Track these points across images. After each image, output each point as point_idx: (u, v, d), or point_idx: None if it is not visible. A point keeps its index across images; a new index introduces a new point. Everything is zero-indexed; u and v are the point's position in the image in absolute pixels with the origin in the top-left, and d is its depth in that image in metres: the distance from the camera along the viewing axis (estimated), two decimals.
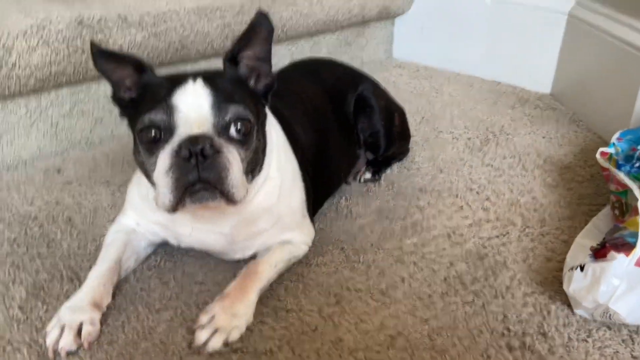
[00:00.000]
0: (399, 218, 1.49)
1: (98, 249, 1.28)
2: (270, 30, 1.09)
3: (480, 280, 1.27)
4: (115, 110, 1.18)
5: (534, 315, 1.17)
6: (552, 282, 1.26)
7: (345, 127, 1.56)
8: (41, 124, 1.72)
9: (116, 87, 1.14)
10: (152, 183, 1.07)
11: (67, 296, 1.15)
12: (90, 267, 1.20)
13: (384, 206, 1.55)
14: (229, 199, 1.03)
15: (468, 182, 1.66)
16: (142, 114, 1.04)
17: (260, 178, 1.15)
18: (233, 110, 1.04)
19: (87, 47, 1.62)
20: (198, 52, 1.94)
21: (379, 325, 1.14)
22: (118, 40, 1.71)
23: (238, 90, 1.09)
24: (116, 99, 1.15)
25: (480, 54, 2.52)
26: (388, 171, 1.72)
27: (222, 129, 1.04)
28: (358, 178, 1.65)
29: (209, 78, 1.07)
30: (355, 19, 2.46)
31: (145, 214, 1.24)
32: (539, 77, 2.38)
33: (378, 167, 1.68)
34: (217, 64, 1.85)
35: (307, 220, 1.32)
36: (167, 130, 1.03)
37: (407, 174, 1.71)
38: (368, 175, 1.66)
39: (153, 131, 1.03)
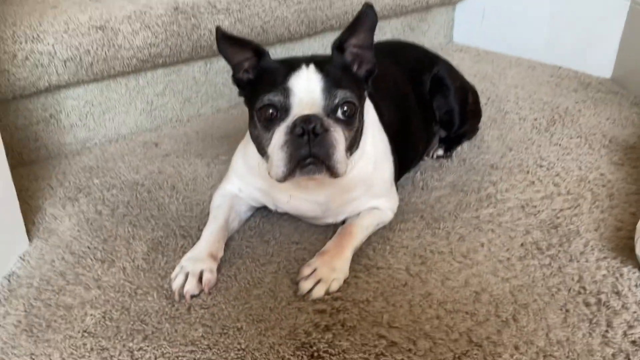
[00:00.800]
0: (473, 191, 1.59)
1: (203, 211, 1.44)
2: (374, 20, 1.20)
3: (555, 246, 1.36)
4: (202, 90, 1.32)
5: (607, 277, 1.26)
6: (622, 249, 1.35)
7: (422, 105, 1.66)
8: (138, 102, 1.89)
9: (236, 68, 1.26)
10: (265, 155, 1.20)
11: (183, 251, 1.30)
12: (199, 227, 1.35)
13: (458, 180, 1.65)
14: (333, 173, 1.15)
15: (538, 160, 1.75)
16: (262, 94, 1.17)
17: (357, 154, 1.27)
18: (341, 94, 1.16)
19: (182, 30, 1.78)
20: (276, 36, 2.07)
21: (463, 283, 1.25)
22: (208, 25, 1.86)
23: (345, 75, 1.21)
24: (235, 79, 1.28)
25: (542, 39, 2.58)
26: (459, 149, 1.82)
27: (330, 111, 1.16)
28: (431, 154, 1.76)
29: (320, 64, 1.19)
30: (419, 4, 2.55)
31: (248, 181, 1.38)
32: (600, 62, 2.42)
33: (450, 144, 1.78)
34: (293, 47, 2.01)
35: (394, 189, 1.44)
36: (283, 110, 1.16)
37: (477, 151, 1.81)
38: (440, 152, 1.76)
39: (271, 110, 1.16)
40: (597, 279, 1.26)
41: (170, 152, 1.77)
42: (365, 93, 1.29)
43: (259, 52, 1.23)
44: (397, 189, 1.48)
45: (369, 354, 1.07)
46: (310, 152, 1.12)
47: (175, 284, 1.20)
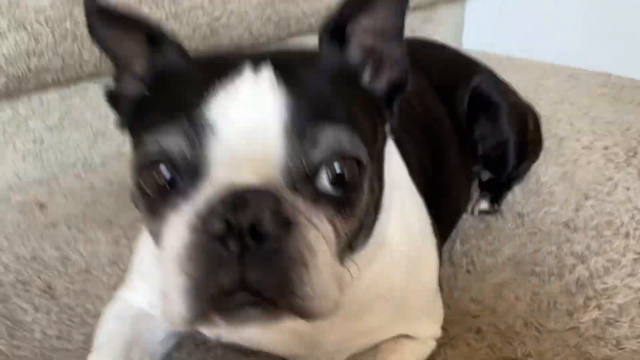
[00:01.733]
0: (552, 273, 0.97)
1: (88, 340, 0.78)
2: None
3: None
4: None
5: None
6: None
7: (459, 135, 1.04)
8: (18, 140, 1.24)
9: (119, 73, 0.65)
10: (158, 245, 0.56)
11: None
12: None
13: (520, 253, 1.03)
14: (303, 314, 0.52)
15: (633, 212, 1.13)
16: (147, 131, 0.54)
17: (367, 248, 0.63)
18: (331, 137, 0.53)
19: (81, 31, 1.15)
20: (231, 39, 1.45)
21: None
22: None
23: (342, 94, 0.58)
24: (112, 97, 0.66)
25: (577, 41, 2.00)
26: (509, 196, 1.19)
27: (303, 178, 0.53)
28: (471, 210, 1.14)
29: (286, 66, 0.56)
30: (423, 2, 1.96)
31: (163, 279, 0.73)
32: None
33: (497, 191, 1.16)
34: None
35: (439, 297, 0.80)
36: (188, 170, 0.53)
37: (536, 200, 1.19)
38: (485, 205, 1.14)
39: (163, 173, 0.53)
40: None
41: (60, 220, 1.12)
42: (387, 128, 0.66)
43: (154, 38, 0.61)
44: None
45: None
46: (241, 281, 0.49)
47: None
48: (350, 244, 0.57)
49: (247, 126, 0.52)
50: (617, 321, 0.86)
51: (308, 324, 0.61)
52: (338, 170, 0.53)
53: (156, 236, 0.56)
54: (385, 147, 0.65)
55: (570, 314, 0.88)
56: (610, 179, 1.27)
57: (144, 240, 0.77)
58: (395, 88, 0.64)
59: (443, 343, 0.81)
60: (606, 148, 1.40)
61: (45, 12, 1.14)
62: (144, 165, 0.54)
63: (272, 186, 0.50)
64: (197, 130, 0.51)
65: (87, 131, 1.33)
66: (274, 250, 0.48)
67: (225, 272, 0.48)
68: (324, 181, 0.53)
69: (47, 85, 1.23)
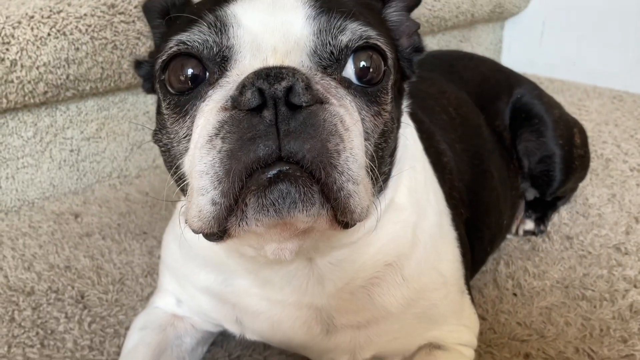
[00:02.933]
0: (603, 298, 0.92)
1: (120, 344, 0.76)
2: None
3: None
4: None
5: None
6: None
7: (500, 149, 1.00)
8: (55, 149, 1.24)
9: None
10: (183, 185, 0.56)
11: None
12: None
13: (569, 276, 0.98)
14: (339, 208, 0.50)
15: None
16: (170, 38, 0.55)
17: (381, 201, 0.61)
18: (355, 29, 0.54)
19: (121, 40, 1.16)
20: None
21: None
22: None
23: (366, 12, 0.59)
24: (139, 66, 0.72)
25: (626, 62, 1.94)
26: (555, 218, 1.14)
27: (331, 63, 0.53)
28: (516, 229, 1.09)
29: None
30: (463, 18, 1.93)
31: (189, 278, 0.73)
32: None
33: (543, 211, 1.11)
34: None
35: (467, 299, 0.76)
36: (216, 61, 0.54)
37: (585, 222, 1.14)
38: (530, 225, 1.10)
39: (188, 66, 0.54)
40: None
41: (95, 230, 1.11)
42: (406, 87, 0.67)
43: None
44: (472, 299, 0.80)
45: None
46: (280, 149, 0.47)
47: None
48: (378, 162, 0.56)
49: (270, 17, 0.53)
50: None
51: (327, 297, 0.59)
52: (364, 64, 0.54)
53: (178, 148, 0.56)
54: (403, 102, 0.67)
55: (624, 340, 0.83)
56: None
57: (167, 233, 0.77)
58: (416, 50, 0.68)
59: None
60: None
61: (86, 20, 1.14)
62: (165, 64, 0.55)
63: (301, 67, 0.51)
64: (222, 22, 0.53)
65: (123, 142, 1.33)
66: (308, 122, 0.47)
67: (261, 143, 0.46)
68: (350, 71, 0.53)
69: (86, 94, 1.23)
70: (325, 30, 0.52)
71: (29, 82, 1.10)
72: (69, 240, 1.07)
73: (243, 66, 0.51)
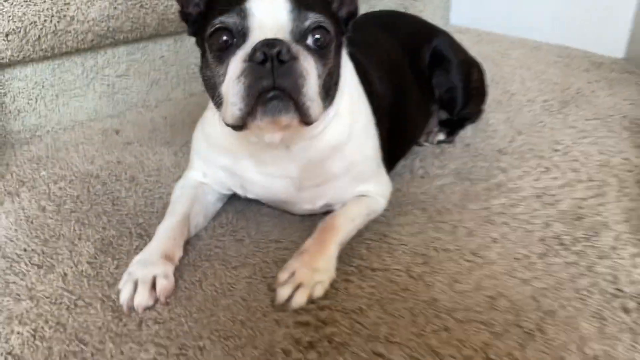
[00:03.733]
0: (481, 179, 1.38)
1: (165, 206, 1.21)
2: None
3: (581, 241, 1.15)
4: (172, 71, 1.10)
5: None
6: None
7: (420, 82, 1.45)
8: (97, 84, 1.66)
9: (184, 1, 1.05)
10: (218, 103, 0.98)
11: (138, 252, 1.07)
12: (159, 224, 1.13)
13: (463, 167, 1.44)
14: (303, 114, 0.92)
15: (551, 143, 1.54)
16: (212, 22, 0.95)
17: (330, 112, 1.05)
18: (313, 17, 0.94)
19: (146, 0, 1.55)
20: None
21: (475, 286, 1.04)
22: None
23: (318, 3, 0.99)
24: (184, 15, 1.07)
25: (547, 17, 2.38)
26: (462, 133, 1.60)
27: (300, 36, 0.94)
28: (431, 139, 1.55)
29: None
30: None
31: (211, 159, 1.17)
32: (612, 41, 2.23)
33: (452, 127, 1.57)
34: None
35: (383, 170, 1.22)
36: (240, 34, 0.94)
37: (483, 135, 1.60)
38: (442, 136, 1.55)
39: (225, 36, 0.94)
40: (635, 278, 1.05)
41: (133, 140, 1.55)
42: (344, 39, 1.08)
43: None
44: (392, 178, 1.26)
45: None
46: (274, 83, 0.89)
47: (123, 296, 0.97)
48: (325, 90, 0.98)
49: (269, 10, 0.93)
50: (518, 205, 1.28)
51: (297, 171, 1.05)
52: (317, 35, 0.94)
53: (218, 80, 0.96)
54: (342, 50, 1.06)
55: (486, 200, 1.30)
56: (541, 122, 1.67)
57: (197, 131, 1.20)
58: (350, 15, 1.07)
59: (397, 213, 1.24)
60: (545, 101, 1.81)
61: None
62: (212, 33, 0.95)
63: (285, 40, 0.91)
64: (242, 13, 0.93)
65: (145, 80, 1.75)
66: (289, 69, 0.89)
67: (265, 79, 0.89)
68: (310, 41, 0.94)
69: (119, 42, 1.64)
70: (298, 19, 0.93)
71: (82, 32, 1.51)
72: (115, 147, 1.51)
73: (254, 37, 0.92)
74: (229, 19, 0.93)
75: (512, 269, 1.08)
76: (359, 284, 1.04)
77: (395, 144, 1.30)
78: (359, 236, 1.16)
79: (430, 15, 2.60)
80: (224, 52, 0.94)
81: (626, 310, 0.98)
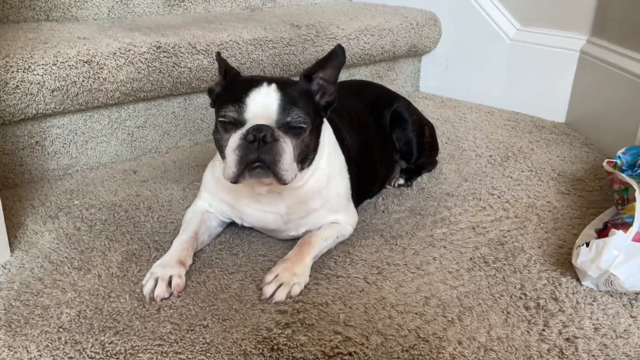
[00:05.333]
0: (430, 214, 1.72)
1: (177, 228, 1.53)
2: (342, 61, 1.36)
3: (501, 260, 1.48)
4: (181, 124, 1.46)
5: (547, 285, 1.38)
6: (563, 263, 1.47)
7: (383, 137, 1.81)
8: (119, 133, 2.01)
9: (213, 85, 1.42)
10: (223, 157, 1.32)
11: (155, 261, 1.39)
12: (171, 242, 1.45)
13: (416, 205, 1.78)
14: (279, 179, 1.27)
15: (490, 189, 1.89)
16: (223, 108, 1.30)
17: (310, 168, 1.40)
18: (295, 112, 1.28)
19: (164, 67, 1.92)
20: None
21: (415, 289, 1.36)
22: (188, 64, 2.01)
23: (303, 98, 1.31)
24: (209, 91, 1.43)
25: (500, 87, 2.78)
26: (419, 179, 1.95)
27: (282, 124, 1.28)
28: (393, 183, 1.89)
29: (282, 84, 1.32)
30: (387, 55, 2.75)
31: (217, 194, 1.50)
32: (554, 108, 2.62)
33: (410, 174, 1.92)
34: None
35: (352, 205, 1.56)
36: (239, 122, 1.29)
37: (435, 182, 1.95)
38: (401, 181, 1.90)
39: (229, 121, 1.29)
40: (538, 287, 1.38)
41: (148, 179, 1.88)
42: (324, 119, 1.42)
43: (227, 70, 1.39)
44: (357, 211, 1.60)
45: (325, 347, 1.16)
46: (258, 157, 1.24)
47: (146, 288, 1.29)
48: (302, 160, 1.33)
49: (262, 105, 1.27)
50: (456, 233, 1.61)
51: (285, 209, 1.39)
52: (295, 125, 1.27)
53: (223, 144, 1.30)
54: (322, 126, 1.41)
55: (431, 229, 1.63)
56: (484, 172, 2.03)
57: (207, 171, 1.54)
58: (329, 104, 1.39)
59: (361, 237, 1.56)
60: (491, 156, 2.18)
61: (144, 55, 1.92)
62: (222, 120, 1.30)
63: (271, 125, 1.25)
64: (241, 109, 1.27)
65: (159, 130, 2.10)
66: (270, 148, 1.24)
67: (252, 154, 1.23)
68: (290, 128, 1.27)
69: (139, 99, 2.00)
70: (283, 113, 1.27)
71: (111, 91, 1.87)
72: (134, 184, 1.84)
73: (249, 123, 1.27)
74: (230, 114, 1.28)
75: (445, 278, 1.40)
76: (326, 286, 1.35)
77: (362, 184, 1.64)
78: (329, 253, 1.48)
79: (402, 83, 3.01)
80: (227, 128, 1.30)
81: (527, 308, 1.30)
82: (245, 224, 1.51)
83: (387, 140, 1.83)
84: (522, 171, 2.05)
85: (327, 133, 1.47)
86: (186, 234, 1.43)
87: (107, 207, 1.68)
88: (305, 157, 1.35)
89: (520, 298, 1.34)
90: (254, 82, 1.32)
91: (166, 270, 1.31)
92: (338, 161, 1.51)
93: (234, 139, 1.26)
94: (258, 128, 1.24)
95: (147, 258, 1.44)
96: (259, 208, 1.45)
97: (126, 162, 2.00)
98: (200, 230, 1.48)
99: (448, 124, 2.51)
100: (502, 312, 1.29)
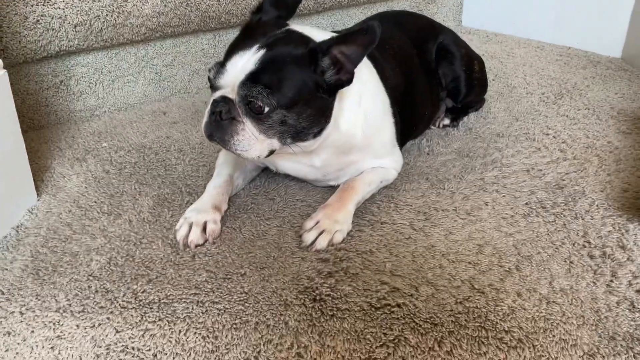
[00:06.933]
0: (479, 156, 1.59)
1: (209, 172, 1.44)
2: (373, 41, 1.10)
3: (560, 205, 1.36)
4: (211, 62, 1.30)
5: (613, 232, 1.26)
6: (629, 208, 1.34)
7: (428, 73, 1.66)
8: (147, 71, 1.90)
9: None
10: None
11: (189, 206, 1.30)
12: (205, 186, 1.36)
13: (464, 147, 1.65)
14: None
15: (544, 129, 1.75)
16: (215, 61, 1.19)
17: (327, 129, 1.22)
18: (254, 91, 1.11)
19: (191, 0, 1.79)
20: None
21: (467, 237, 1.25)
22: None
23: (290, 73, 1.13)
24: None
25: (550, 20, 2.57)
26: (465, 119, 1.82)
27: (245, 101, 1.13)
28: (437, 124, 1.76)
29: (275, 51, 1.12)
30: None
31: None
32: (610, 42, 2.41)
33: (457, 114, 1.78)
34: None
35: (397, 149, 1.44)
36: (214, 87, 1.18)
37: (483, 121, 1.81)
38: (447, 121, 1.76)
39: (209, 82, 1.20)
40: (602, 234, 1.26)
41: (178, 120, 1.78)
42: (321, 94, 1.18)
43: (262, 5, 1.25)
44: (402, 153, 1.48)
45: (371, 298, 1.07)
46: (211, 133, 1.16)
47: (180, 234, 1.21)
48: (294, 136, 1.17)
49: (236, 74, 1.13)
50: (509, 177, 1.49)
51: (321, 162, 1.30)
52: (256, 105, 1.12)
53: None
54: (317, 98, 1.17)
55: (481, 172, 1.51)
56: (537, 111, 1.88)
57: None
58: (341, 83, 1.16)
59: (405, 182, 1.45)
60: (543, 93, 2.01)
61: None
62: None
63: (235, 101, 1.13)
64: (218, 72, 1.15)
65: (188, 69, 1.99)
66: (224, 126, 1.14)
67: (210, 126, 1.16)
68: (251, 106, 1.12)
69: (167, 36, 1.88)
70: (243, 89, 1.12)
71: (136, 26, 1.75)
72: (164, 125, 1.75)
73: (220, 90, 1.16)
74: (210, 74, 1.18)
75: (499, 225, 1.29)
76: (370, 233, 1.26)
77: (406, 125, 1.52)
78: (372, 198, 1.38)
79: (443, 17, 2.81)
80: (210, 87, 1.21)
81: (592, 257, 1.19)
82: (281, 172, 1.41)
83: (432, 76, 1.69)
84: (579, 109, 1.89)
85: (367, 76, 1.33)
86: (220, 177, 1.34)
87: (137, 149, 1.60)
88: (298, 133, 1.18)
89: (584, 246, 1.22)
90: (246, 41, 1.16)
91: (201, 216, 1.23)
92: (381, 106, 1.38)
93: (210, 102, 1.18)
94: (216, 101, 1.15)
95: (180, 203, 1.36)
96: (293, 159, 1.32)
97: (155, 103, 1.91)
98: (235, 174, 1.38)
99: (495, 60, 2.33)
100: (565, 261, 1.18)
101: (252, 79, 1.12)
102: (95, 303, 1.06)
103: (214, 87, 1.18)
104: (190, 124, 1.76)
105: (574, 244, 1.23)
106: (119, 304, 1.05)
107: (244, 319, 1.03)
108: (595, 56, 2.40)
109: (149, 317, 1.03)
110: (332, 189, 1.39)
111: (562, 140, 1.67)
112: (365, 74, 1.33)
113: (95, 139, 1.65)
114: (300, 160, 1.32)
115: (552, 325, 1.03)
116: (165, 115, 1.82)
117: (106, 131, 1.70)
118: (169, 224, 1.28)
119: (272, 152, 1.20)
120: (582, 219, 1.31)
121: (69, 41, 1.65)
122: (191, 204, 1.31)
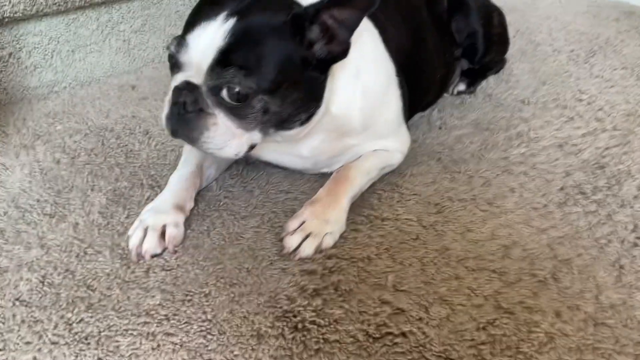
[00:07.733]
0: (501, 129, 1.34)
1: (178, 158, 1.20)
2: (373, 4, 0.87)
3: (602, 189, 1.11)
4: None
5: None
6: None
7: (439, 29, 1.39)
8: (113, 39, 1.65)
9: None
10: None
11: (149, 203, 1.07)
12: (170, 176, 1.12)
13: (483, 118, 1.39)
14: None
15: (576, 93, 1.48)
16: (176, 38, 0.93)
17: (318, 114, 0.99)
18: (228, 76, 0.87)
19: None
20: None
21: (489, 235, 1.01)
22: None
23: (270, 48, 0.89)
24: None
25: None
26: (484, 83, 1.55)
27: (214, 89, 0.89)
28: (451, 90, 1.50)
29: (249, 20, 0.88)
30: None
31: None
32: None
33: (473, 78, 1.52)
34: None
35: (404, 127, 1.18)
36: (177, 65, 0.92)
37: (505, 86, 1.54)
38: (462, 87, 1.50)
39: (171, 60, 0.94)
40: None
41: (148, 95, 1.54)
42: (310, 72, 0.94)
43: None
44: (408, 128, 1.22)
45: (368, 325, 0.84)
46: (172, 128, 0.93)
47: (132, 242, 0.98)
48: (277, 124, 0.94)
49: (203, 51, 0.87)
50: (538, 154, 1.23)
51: (310, 151, 1.06)
52: (232, 92, 0.88)
53: None
54: (303, 77, 0.93)
55: (505, 150, 1.25)
56: (566, 72, 1.61)
57: None
58: (334, 56, 0.93)
59: (411, 164, 1.20)
60: (572, 51, 1.73)
61: None
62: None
63: (200, 88, 0.89)
64: (180, 46, 0.90)
65: (161, 35, 1.73)
66: (190, 120, 0.90)
67: (171, 119, 0.92)
68: (225, 95, 0.88)
69: None
70: (212, 74, 0.87)
71: None
72: (131, 102, 1.50)
73: (182, 73, 0.91)
74: (172, 47, 0.92)
75: (529, 218, 1.05)
76: (368, 233, 1.02)
77: (414, 95, 1.25)
78: (371, 187, 1.14)
79: None
80: (170, 65, 0.95)
81: None
82: (262, 159, 1.16)
83: (444, 32, 1.41)
84: (615, 69, 1.61)
85: (367, 40, 1.06)
86: (187, 167, 1.10)
87: (96, 132, 1.36)
88: (282, 122, 0.95)
89: (636, 245, 0.98)
90: (212, 6, 0.91)
91: (160, 218, 1.00)
92: (384, 77, 1.11)
93: (170, 89, 0.93)
94: (179, 89, 0.90)
95: (139, 199, 1.12)
96: (275, 149, 1.09)
97: (123, 76, 1.66)
98: (206, 163, 1.14)
99: (515, 14, 2.04)
100: (613, 265, 0.94)
101: (222, 60, 0.87)
102: (19, 338, 0.84)
103: (175, 67, 0.93)
104: (161, 100, 1.49)
105: (622, 242, 0.98)
106: (49, 339, 0.83)
107: (205, 356, 0.81)
108: (629, 6, 2.11)
109: (84, 356, 0.81)
110: (325, 175, 1.14)
111: (599, 107, 1.41)
112: (365, 38, 1.05)
113: (49, 121, 1.41)
114: (285, 150, 1.08)
115: (603, 357, 0.79)
116: (134, 90, 1.57)
117: (63, 111, 1.46)
118: (122, 227, 1.05)
119: (252, 147, 0.96)
120: (631, 207, 1.06)
121: (12, 6, 1.39)
122: (152, 200, 1.07)
